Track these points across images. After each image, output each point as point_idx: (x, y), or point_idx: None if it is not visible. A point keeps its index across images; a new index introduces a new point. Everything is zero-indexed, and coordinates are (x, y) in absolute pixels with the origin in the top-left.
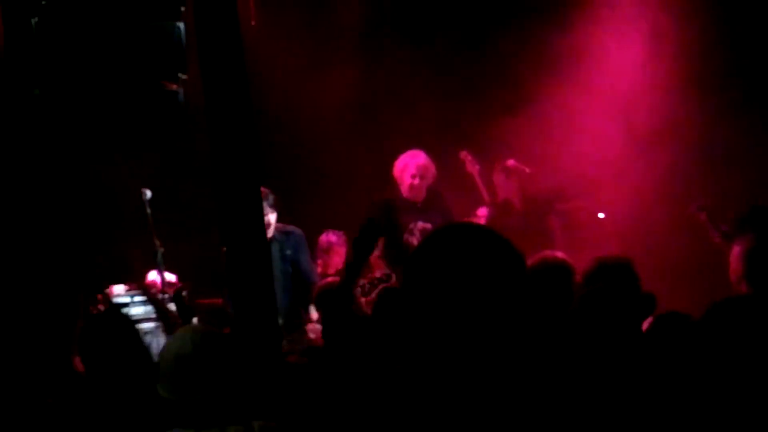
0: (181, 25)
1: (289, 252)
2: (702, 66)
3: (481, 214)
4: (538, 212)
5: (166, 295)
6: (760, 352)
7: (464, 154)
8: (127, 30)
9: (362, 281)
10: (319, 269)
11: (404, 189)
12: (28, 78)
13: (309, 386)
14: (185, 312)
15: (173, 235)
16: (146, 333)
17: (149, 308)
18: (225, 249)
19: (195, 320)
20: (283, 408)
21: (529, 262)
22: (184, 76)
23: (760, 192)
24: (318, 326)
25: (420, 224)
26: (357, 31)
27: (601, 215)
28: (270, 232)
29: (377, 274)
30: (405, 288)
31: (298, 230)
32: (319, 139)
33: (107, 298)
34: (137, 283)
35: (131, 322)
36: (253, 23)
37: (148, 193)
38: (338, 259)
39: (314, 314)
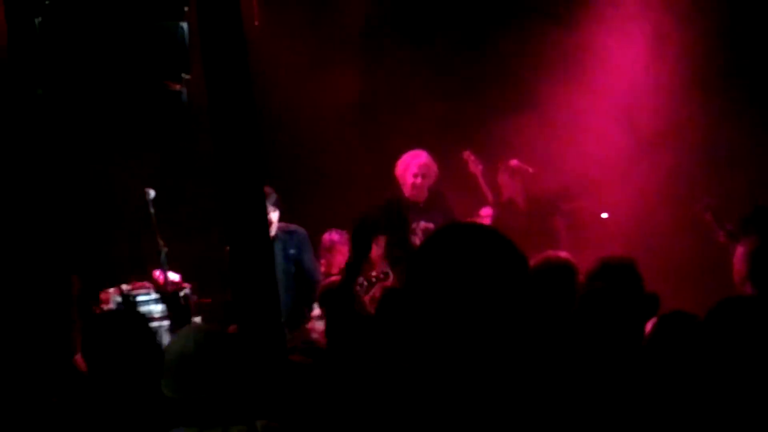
0: (185, 25)
1: (292, 251)
2: (705, 67)
3: (485, 214)
4: (541, 212)
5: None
6: (764, 352)
7: (467, 154)
8: (130, 30)
9: (360, 279)
10: (323, 268)
11: (406, 189)
12: (31, 78)
13: (312, 386)
14: (181, 312)
15: (177, 235)
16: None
17: (151, 308)
18: (228, 248)
19: (198, 319)
20: (287, 407)
21: (533, 262)
22: (187, 76)
23: (764, 193)
24: (320, 325)
25: (422, 224)
26: (358, 31)
27: (604, 215)
28: (273, 231)
29: (374, 273)
30: (408, 287)
31: (301, 229)
32: (320, 139)
33: (124, 296)
34: (146, 281)
35: (146, 321)
36: (256, 23)
37: (152, 193)
38: (341, 258)
39: (317, 312)
